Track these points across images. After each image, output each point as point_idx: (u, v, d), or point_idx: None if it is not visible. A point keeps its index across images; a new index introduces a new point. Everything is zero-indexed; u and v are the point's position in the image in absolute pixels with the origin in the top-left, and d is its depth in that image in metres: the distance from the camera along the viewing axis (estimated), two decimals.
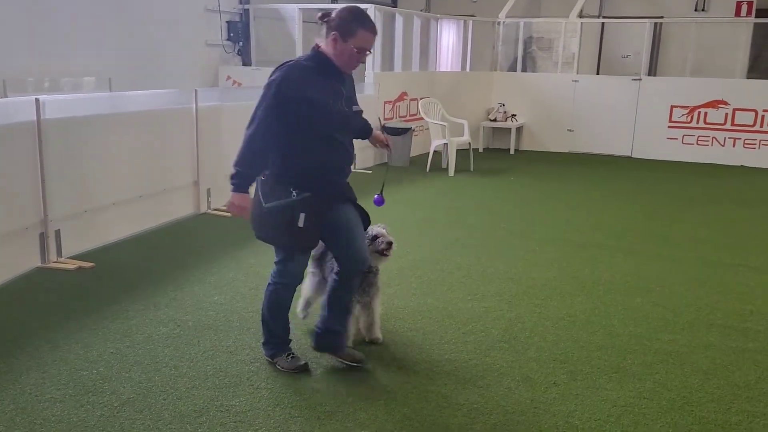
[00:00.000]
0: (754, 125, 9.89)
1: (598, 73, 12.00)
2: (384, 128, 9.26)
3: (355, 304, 3.40)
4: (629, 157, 10.57)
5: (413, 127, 9.60)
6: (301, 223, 2.98)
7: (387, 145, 3.48)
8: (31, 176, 4.55)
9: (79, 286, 4.36)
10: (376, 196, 3.44)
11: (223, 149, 6.44)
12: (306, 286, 3.64)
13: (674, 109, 10.29)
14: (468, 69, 11.57)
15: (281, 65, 2.99)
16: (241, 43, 9.80)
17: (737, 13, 11.25)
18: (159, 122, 5.76)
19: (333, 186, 3.09)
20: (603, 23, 12.02)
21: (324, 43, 2.99)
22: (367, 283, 3.41)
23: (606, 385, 3.20)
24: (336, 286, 3.23)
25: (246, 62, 9.90)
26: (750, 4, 11.15)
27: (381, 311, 3.62)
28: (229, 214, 6.18)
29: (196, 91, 6.05)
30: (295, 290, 3.28)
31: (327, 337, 3.29)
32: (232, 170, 2.94)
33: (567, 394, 3.11)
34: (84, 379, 3.12)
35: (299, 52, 9.37)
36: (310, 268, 3.55)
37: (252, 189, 3.07)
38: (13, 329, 3.67)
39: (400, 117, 9.75)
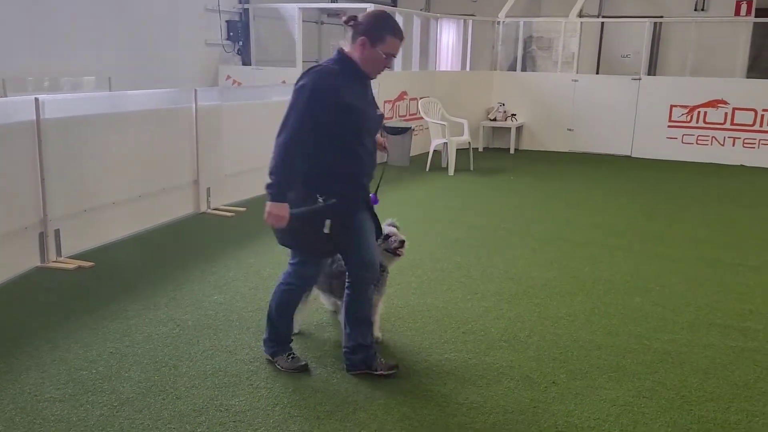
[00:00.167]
0: (753, 125, 9.89)
1: (597, 73, 12.00)
2: (384, 128, 9.27)
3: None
4: (629, 157, 10.57)
5: (413, 126, 9.60)
6: (327, 230, 2.93)
7: (384, 147, 3.46)
8: (31, 176, 4.55)
9: (79, 286, 4.36)
10: (371, 195, 3.42)
11: (223, 149, 6.45)
12: None
13: (674, 108, 10.28)
14: (468, 68, 11.57)
15: (309, 69, 2.94)
16: (240, 43, 9.79)
17: (737, 13, 11.25)
18: (159, 122, 5.76)
19: (360, 191, 3.07)
20: (603, 23, 12.02)
21: (349, 47, 2.96)
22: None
23: (605, 384, 3.20)
24: (351, 299, 3.18)
25: (246, 62, 9.90)
26: (749, 4, 11.15)
27: (381, 310, 3.62)
28: (229, 214, 6.25)
29: (195, 90, 6.04)
30: (307, 293, 3.28)
31: (358, 354, 3.20)
32: (268, 180, 2.86)
33: (566, 393, 3.11)
34: (83, 379, 3.12)
35: (299, 51, 9.37)
36: None
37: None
38: (13, 329, 3.67)
39: (399, 116, 9.75)
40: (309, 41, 10.31)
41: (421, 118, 9.48)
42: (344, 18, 2.98)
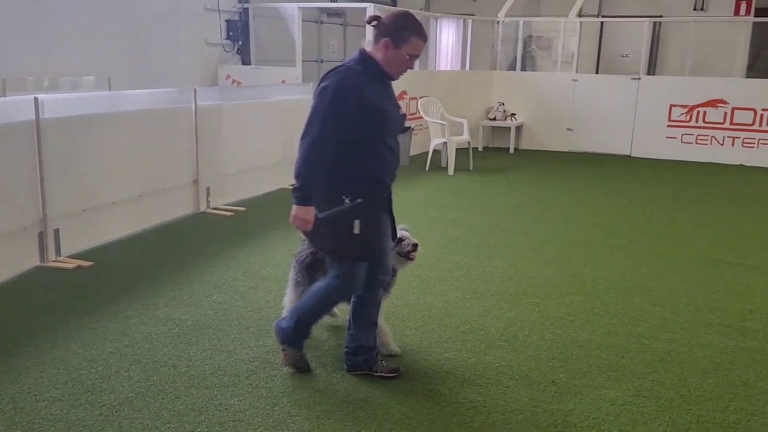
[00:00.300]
0: (753, 124, 9.89)
1: (597, 72, 12.00)
2: None
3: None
4: (628, 156, 10.57)
5: (413, 126, 9.60)
6: (357, 230, 2.91)
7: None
8: (30, 175, 4.55)
9: (78, 286, 4.36)
10: None
11: (223, 148, 6.44)
12: (289, 296, 3.55)
13: (673, 108, 10.28)
14: (467, 68, 11.57)
15: (333, 70, 2.92)
16: (240, 42, 9.79)
17: (736, 12, 11.24)
18: (158, 121, 5.76)
19: (384, 192, 3.05)
20: (602, 22, 12.02)
21: (371, 47, 2.94)
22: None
23: (604, 384, 3.20)
24: (360, 301, 3.16)
25: (245, 61, 9.89)
26: (749, 3, 11.15)
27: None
28: (228, 213, 6.24)
29: (195, 90, 6.04)
30: (350, 297, 3.19)
31: (360, 356, 3.20)
32: (294, 183, 2.87)
33: (565, 392, 3.11)
34: (83, 379, 3.12)
35: (299, 51, 9.36)
36: (295, 276, 3.49)
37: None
38: (12, 328, 3.67)
39: None
40: (309, 41, 10.30)
41: (421, 117, 9.48)
42: (367, 18, 2.97)
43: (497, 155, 10.60)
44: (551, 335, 3.75)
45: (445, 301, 4.20)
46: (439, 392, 3.08)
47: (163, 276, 4.53)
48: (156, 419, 2.80)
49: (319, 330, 3.72)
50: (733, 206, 7.36)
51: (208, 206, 6.32)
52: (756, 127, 9.87)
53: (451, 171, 8.77)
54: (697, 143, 10.21)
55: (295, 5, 9.35)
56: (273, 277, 4.55)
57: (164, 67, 8.47)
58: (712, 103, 10.04)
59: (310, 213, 2.89)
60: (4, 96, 6.24)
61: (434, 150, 9.14)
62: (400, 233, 3.31)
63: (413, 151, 9.69)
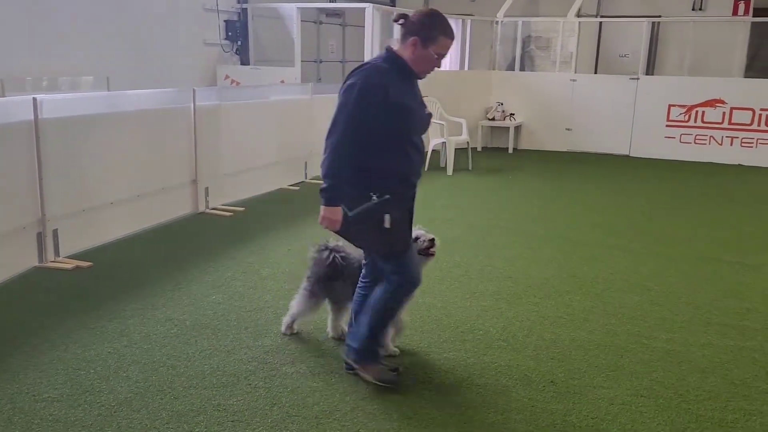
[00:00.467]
0: (751, 124, 9.90)
1: (596, 72, 12.00)
2: None
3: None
4: (627, 156, 10.58)
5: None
6: (387, 224, 2.89)
7: None
8: (29, 175, 4.54)
9: (77, 286, 4.36)
10: None
11: (222, 148, 6.44)
12: (299, 306, 3.52)
13: (672, 108, 10.29)
14: (466, 68, 11.57)
15: (358, 68, 2.90)
16: (239, 43, 9.79)
17: (734, 12, 11.25)
18: (157, 121, 5.75)
19: (410, 190, 3.03)
20: (601, 22, 12.02)
21: (398, 46, 2.93)
22: None
23: (603, 384, 3.20)
24: (363, 298, 3.14)
25: (244, 61, 9.89)
26: (747, 3, 11.15)
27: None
28: (227, 214, 6.24)
29: (194, 90, 6.04)
30: (413, 290, 3.11)
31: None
32: (322, 184, 2.83)
33: (564, 392, 3.11)
34: (81, 379, 3.12)
35: (298, 51, 9.36)
36: (311, 287, 3.45)
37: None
38: (11, 329, 3.66)
39: None
40: (307, 41, 10.30)
41: None
42: (394, 16, 2.94)
43: (496, 155, 10.61)
44: (550, 335, 3.75)
45: (444, 301, 4.20)
46: (438, 392, 3.08)
47: (161, 276, 4.53)
48: (155, 419, 2.80)
49: (318, 331, 3.72)
50: (732, 206, 7.36)
51: (207, 206, 6.32)
52: (754, 126, 9.88)
53: (450, 171, 8.77)
54: (695, 143, 10.22)
55: (293, 5, 9.35)
56: (272, 277, 4.55)
57: (163, 68, 8.47)
58: (711, 103, 10.05)
59: (338, 213, 2.87)
60: (3, 96, 6.23)
61: (433, 150, 9.14)
62: (415, 232, 3.26)
63: None
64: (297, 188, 7.48)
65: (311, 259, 3.50)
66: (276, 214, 6.34)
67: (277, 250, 5.19)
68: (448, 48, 2.92)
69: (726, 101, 9.96)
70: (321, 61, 11.15)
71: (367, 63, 2.94)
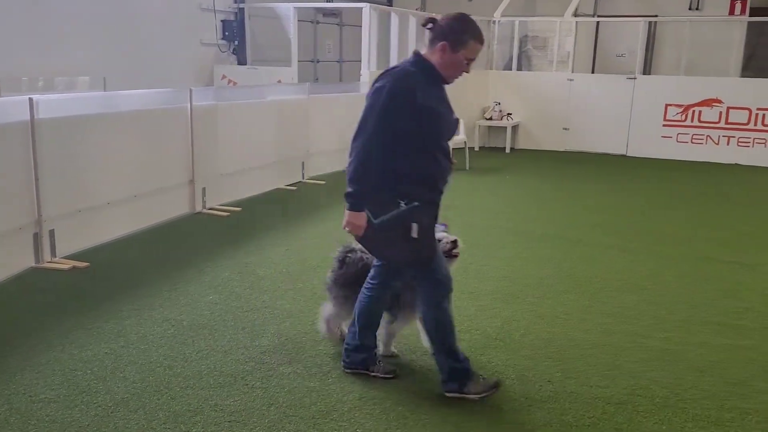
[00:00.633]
0: (748, 123, 9.92)
1: (593, 72, 12.01)
2: None
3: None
4: (624, 156, 10.59)
5: None
6: (415, 234, 2.83)
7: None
8: (25, 176, 4.53)
9: (74, 286, 4.35)
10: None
11: (219, 148, 6.44)
12: (337, 314, 3.43)
13: (669, 107, 10.31)
14: None
15: (387, 72, 2.86)
16: (236, 42, 9.77)
17: (731, 12, 11.27)
18: (154, 122, 5.75)
19: (440, 196, 2.96)
20: (598, 22, 12.03)
21: (426, 50, 2.90)
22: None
23: (600, 383, 3.21)
24: (369, 298, 3.12)
25: (241, 61, 9.88)
26: (744, 3, 11.17)
27: None
28: (224, 214, 6.23)
29: (191, 90, 6.04)
30: (451, 289, 3.03)
31: (360, 354, 3.17)
32: (347, 189, 2.79)
33: (561, 391, 3.12)
34: (78, 380, 3.12)
35: (295, 51, 9.35)
36: (342, 293, 3.35)
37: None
38: (7, 330, 3.66)
39: None
40: (304, 41, 10.30)
41: None
42: (422, 21, 2.90)
43: (493, 155, 10.61)
44: (547, 334, 3.75)
45: None
46: (435, 392, 3.08)
47: (158, 276, 4.53)
48: (151, 420, 2.80)
49: (314, 331, 3.71)
50: (729, 205, 7.38)
51: (204, 206, 6.31)
52: (751, 126, 9.90)
53: None
54: (692, 142, 10.24)
55: (290, 5, 9.34)
56: (269, 278, 4.55)
57: (160, 68, 8.45)
58: (708, 103, 10.06)
59: (363, 218, 2.82)
60: None
61: None
62: (437, 234, 3.20)
63: None
64: (294, 188, 7.48)
65: (339, 261, 3.40)
66: (273, 214, 6.34)
67: (275, 250, 5.19)
68: (477, 52, 2.89)
69: (723, 101, 9.98)
70: (318, 61, 11.14)
71: (395, 66, 2.90)
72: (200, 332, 3.66)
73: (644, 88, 10.40)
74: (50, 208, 4.69)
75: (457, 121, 3.08)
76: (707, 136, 10.15)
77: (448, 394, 3.04)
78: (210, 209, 6.32)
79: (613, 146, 10.65)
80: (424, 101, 2.80)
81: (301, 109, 7.66)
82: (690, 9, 11.57)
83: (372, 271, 3.19)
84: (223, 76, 9.52)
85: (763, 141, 9.87)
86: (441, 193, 2.97)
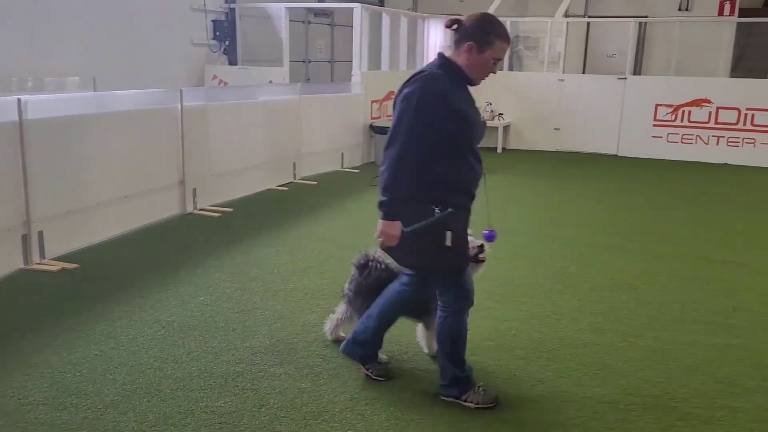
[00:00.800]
0: (737, 123, 9.98)
1: (584, 72, 12.06)
2: (371, 127, 9.26)
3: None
4: (615, 156, 10.63)
5: None
6: (449, 242, 2.77)
7: None
8: (14, 177, 4.50)
9: (63, 288, 4.32)
10: (487, 231, 3.08)
11: (209, 149, 6.41)
12: (344, 312, 3.44)
13: (659, 107, 10.36)
14: None
15: (414, 76, 2.79)
16: (227, 42, 9.74)
17: (720, 13, 11.34)
18: (144, 122, 5.72)
19: (471, 200, 2.89)
20: (588, 23, 12.08)
21: (451, 52, 2.85)
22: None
23: (591, 382, 3.21)
24: (393, 298, 3.10)
25: (232, 61, 9.85)
26: (733, 4, 11.24)
27: None
28: (215, 214, 6.21)
29: (181, 90, 6.01)
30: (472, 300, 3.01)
31: (363, 348, 3.16)
32: (380, 197, 2.72)
33: (552, 391, 3.12)
34: (67, 382, 3.09)
35: (286, 51, 9.34)
36: (367, 304, 3.28)
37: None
38: None
39: (387, 116, 9.75)
40: (296, 41, 10.28)
41: None
42: (447, 22, 2.85)
43: (485, 155, 10.56)
44: (538, 334, 3.76)
45: None
46: (427, 393, 3.08)
47: (149, 278, 4.50)
48: (142, 422, 2.78)
49: (306, 331, 3.71)
50: (718, 204, 7.42)
51: (195, 207, 6.29)
52: (740, 126, 9.96)
53: None
54: (682, 142, 10.29)
55: (282, 5, 9.32)
56: (260, 279, 4.54)
57: (150, 68, 8.41)
58: (697, 103, 10.12)
59: (397, 228, 2.75)
60: None
61: None
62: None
63: None
64: (285, 189, 7.46)
65: (360, 268, 3.35)
66: (264, 215, 6.32)
67: (266, 251, 5.17)
68: (504, 52, 2.84)
69: (712, 101, 10.03)
70: (309, 61, 11.12)
71: (422, 71, 2.84)
72: (191, 333, 3.64)
73: (634, 89, 10.45)
74: (39, 210, 4.66)
75: (484, 123, 3.03)
76: (697, 136, 10.20)
77: (444, 399, 3.03)
78: (201, 210, 6.30)
79: (604, 146, 10.69)
80: (454, 104, 2.76)
81: (292, 110, 7.64)
82: (680, 10, 11.64)
83: (405, 277, 3.11)
84: (214, 77, 9.49)
85: (753, 141, 9.94)
86: (474, 198, 2.91)
